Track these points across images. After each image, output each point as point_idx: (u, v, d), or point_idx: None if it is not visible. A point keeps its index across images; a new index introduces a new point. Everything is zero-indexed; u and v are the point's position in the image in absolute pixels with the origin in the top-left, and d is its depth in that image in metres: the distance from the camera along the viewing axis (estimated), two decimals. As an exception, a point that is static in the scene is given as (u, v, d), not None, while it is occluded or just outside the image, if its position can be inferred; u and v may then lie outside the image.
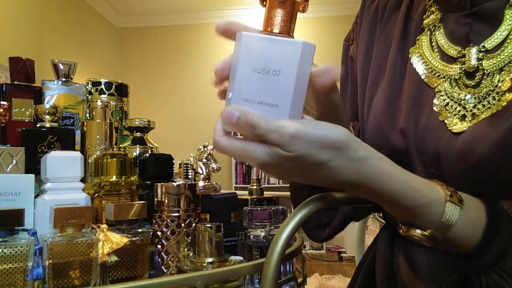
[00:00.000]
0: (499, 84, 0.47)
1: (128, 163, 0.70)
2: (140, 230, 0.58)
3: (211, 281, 0.46)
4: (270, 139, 0.35)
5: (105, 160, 0.69)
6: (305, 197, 0.44)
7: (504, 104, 0.46)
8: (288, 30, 0.37)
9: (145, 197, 0.71)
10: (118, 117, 0.96)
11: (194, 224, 0.65)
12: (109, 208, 0.59)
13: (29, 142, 0.68)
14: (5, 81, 1.10)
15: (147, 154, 0.82)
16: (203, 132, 4.62)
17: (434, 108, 0.51)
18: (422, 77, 0.54)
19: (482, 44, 0.49)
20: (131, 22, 5.18)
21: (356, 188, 0.38)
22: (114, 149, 0.84)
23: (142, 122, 0.86)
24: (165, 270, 0.63)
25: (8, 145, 0.67)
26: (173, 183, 0.65)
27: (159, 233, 0.63)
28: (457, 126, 0.49)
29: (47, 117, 0.71)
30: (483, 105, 0.48)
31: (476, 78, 0.49)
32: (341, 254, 4.22)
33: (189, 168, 0.80)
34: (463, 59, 0.51)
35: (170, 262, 0.63)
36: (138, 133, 0.86)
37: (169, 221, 0.64)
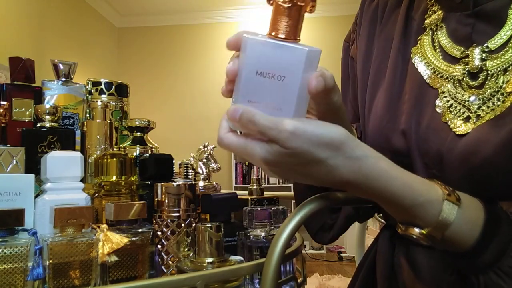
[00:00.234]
0: (504, 85, 0.47)
1: (128, 163, 0.70)
2: (140, 230, 0.58)
3: (211, 281, 0.46)
4: (269, 136, 0.36)
5: (105, 160, 0.69)
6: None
7: (508, 105, 0.45)
8: (294, 35, 0.37)
9: (145, 197, 0.71)
10: (118, 117, 0.96)
11: (194, 224, 0.65)
12: (109, 208, 0.59)
13: (29, 142, 0.68)
14: (5, 81, 1.11)
15: (147, 154, 0.82)
16: (203, 132, 4.62)
17: (437, 109, 0.51)
18: (425, 77, 0.54)
19: (486, 45, 0.49)
20: (131, 22, 5.19)
21: (355, 187, 0.39)
22: (114, 149, 0.84)
23: (142, 122, 0.86)
24: (165, 270, 0.63)
25: (8, 145, 0.67)
26: (173, 183, 0.65)
27: (159, 233, 0.63)
28: (461, 127, 0.48)
29: (47, 117, 0.71)
30: (488, 107, 0.47)
31: (480, 78, 0.49)
32: (341, 254, 4.22)
33: (189, 168, 0.80)
34: (467, 59, 0.50)
35: (170, 262, 0.63)
36: (138, 133, 0.86)
37: (169, 221, 0.64)
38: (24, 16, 3.40)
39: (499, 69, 0.47)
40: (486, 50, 0.49)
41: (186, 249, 0.64)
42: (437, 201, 0.39)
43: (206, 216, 0.71)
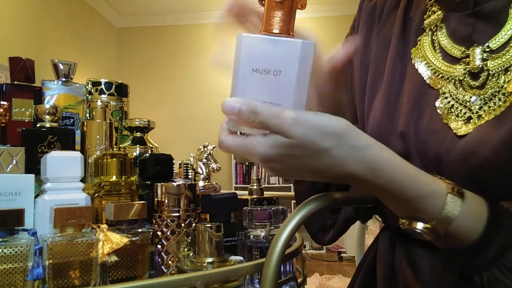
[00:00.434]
0: (505, 85, 0.46)
1: (128, 163, 0.70)
2: (140, 230, 0.58)
3: (211, 281, 0.46)
4: (272, 125, 0.35)
5: (105, 160, 0.69)
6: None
7: (508, 105, 0.45)
8: (287, 29, 0.38)
9: (145, 197, 0.71)
10: (118, 117, 0.96)
11: (194, 224, 0.65)
12: (109, 208, 0.59)
13: (29, 142, 0.68)
14: (5, 81, 1.11)
15: (147, 154, 0.82)
16: (203, 132, 4.62)
17: (438, 111, 0.51)
18: (425, 78, 0.53)
19: (487, 44, 0.49)
20: (131, 22, 5.18)
21: (359, 179, 0.38)
22: (114, 149, 0.84)
23: (142, 122, 0.86)
24: (165, 270, 0.63)
25: (8, 145, 0.67)
26: (173, 183, 0.65)
27: (159, 233, 0.63)
28: (462, 128, 0.48)
29: (47, 117, 0.71)
30: (489, 107, 0.47)
31: (481, 78, 0.49)
32: (341, 254, 4.22)
33: (189, 168, 0.80)
34: (467, 59, 0.50)
35: (170, 262, 0.63)
36: (138, 133, 0.86)
37: (169, 221, 0.64)
38: (24, 16, 3.40)
39: (500, 69, 0.47)
40: (487, 50, 0.49)
41: (186, 249, 0.64)
42: (441, 193, 0.39)
43: (206, 216, 0.71)
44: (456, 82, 0.51)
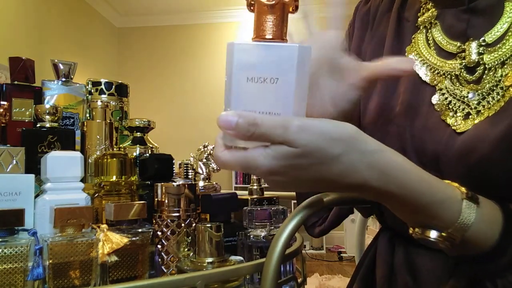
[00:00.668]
0: (502, 79, 0.46)
1: (128, 163, 0.70)
2: (140, 230, 0.58)
3: (211, 281, 0.46)
4: (275, 136, 0.33)
5: (105, 160, 0.69)
6: None
7: (507, 99, 0.45)
8: (280, 34, 0.36)
9: (145, 197, 0.71)
10: (118, 117, 0.96)
11: (194, 224, 0.65)
12: (109, 208, 0.59)
13: (29, 142, 0.68)
14: (5, 81, 1.10)
15: (147, 154, 0.82)
16: (203, 132, 4.61)
17: (435, 107, 0.50)
18: (421, 75, 0.53)
19: (483, 38, 0.48)
20: (131, 22, 5.18)
21: (369, 187, 0.36)
22: (114, 149, 0.84)
23: (142, 122, 0.86)
24: (165, 270, 0.63)
25: (8, 145, 0.67)
26: (173, 183, 0.65)
27: (159, 233, 0.63)
28: (461, 125, 0.47)
29: (47, 117, 0.71)
30: (488, 102, 0.46)
31: (477, 73, 0.48)
32: (341, 254, 4.21)
33: (189, 168, 0.80)
34: (463, 54, 0.50)
35: (170, 262, 0.63)
36: (138, 133, 0.86)
37: (169, 221, 0.64)
38: (24, 16, 3.40)
39: (496, 62, 0.47)
40: (483, 44, 0.48)
41: (186, 249, 0.64)
42: (456, 199, 0.37)
43: (206, 216, 0.71)
44: (453, 78, 0.50)
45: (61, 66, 0.87)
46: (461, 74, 0.50)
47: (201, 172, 0.88)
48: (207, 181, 0.87)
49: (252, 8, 0.37)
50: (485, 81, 0.47)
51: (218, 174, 0.98)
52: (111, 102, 0.95)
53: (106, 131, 0.80)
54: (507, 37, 0.47)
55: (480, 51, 0.48)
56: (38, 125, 0.72)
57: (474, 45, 0.49)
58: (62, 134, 0.72)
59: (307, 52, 0.35)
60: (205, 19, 5.03)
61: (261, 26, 0.36)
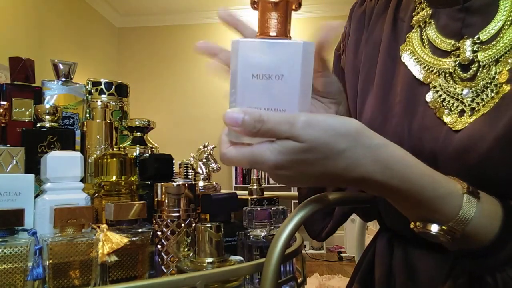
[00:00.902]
0: (496, 76, 0.46)
1: (128, 163, 0.70)
2: (140, 230, 0.58)
3: (211, 281, 0.46)
4: (281, 132, 0.33)
5: (105, 160, 0.69)
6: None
7: (502, 96, 0.45)
8: (284, 31, 0.36)
9: (145, 197, 0.71)
10: (118, 117, 0.96)
11: (194, 224, 0.65)
12: (109, 208, 0.59)
13: (29, 142, 0.68)
14: (5, 81, 1.11)
15: (147, 154, 0.82)
16: (203, 132, 4.62)
17: (430, 105, 0.50)
18: (415, 73, 0.53)
19: (477, 36, 0.49)
20: (131, 22, 5.19)
21: (373, 182, 0.37)
22: (114, 149, 0.84)
23: (142, 122, 0.86)
24: (165, 270, 0.63)
25: (8, 145, 0.67)
26: (173, 183, 0.65)
27: (159, 233, 0.63)
28: (456, 122, 0.47)
29: (47, 117, 0.71)
30: (482, 99, 0.46)
31: (471, 70, 0.48)
32: (341, 254, 4.22)
33: (189, 168, 0.80)
34: (457, 51, 0.50)
35: (170, 262, 0.63)
36: (138, 133, 0.86)
37: (169, 221, 0.64)
38: (24, 16, 3.40)
39: (491, 60, 0.47)
40: (477, 41, 0.48)
41: (186, 249, 0.64)
42: (457, 194, 0.38)
43: (206, 216, 0.71)
44: (447, 75, 0.50)
45: (61, 66, 0.87)
46: (456, 71, 0.50)
47: (201, 172, 0.88)
48: (207, 181, 0.87)
49: (256, 6, 0.37)
50: (479, 78, 0.48)
51: (218, 174, 0.98)
52: (111, 102, 0.95)
53: (106, 131, 0.80)
54: (501, 35, 0.47)
55: (474, 48, 0.49)
56: (38, 125, 0.72)
57: (468, 43, 0.49)
58: (62, 134, 0.72)
59: (311, 48, 0.36)
60: (205, 19, 5.03)
61: (265, 24, 0.36)
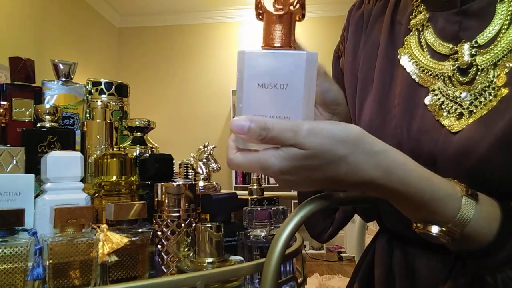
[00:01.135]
0: (494, 80, 0.46)
1: (128, 163, 0.70)
2: (140, 230, 0.58)
3: (211, 281, 0.46)
4: (285, 139, 0.35)
5: (105, 160, 0.69)
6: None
7: (499, 99, 0.45)
8: (289, 42, 0.38)
9: (145, 197, 0.71)
10: (118, 117, 0.96)
11: (194, 224, 0.65)
12: (109, 208, 0.59)
13: (29, 142, 0.68)
14: (5, 81, 1.11)
15: (147, 154, 0.82)
16: (203, 132, 4.62)
17: (428, 108, 0.50)
18: (413, 76, 0.53)
19: (475, 40, 0.49)
20: (131, 22, 5.19)
21: (374, 185, 0.38)
22: (114, 149, 0.84)
23: (142, 122, 0.86)
24: (165, 270, 0.63)
25: (8, 145, 0.67)
26: (173, 183, 0.65)
27: (159, 233, 0.63)
28: (454, 125, 0.48)
29: (47, 117, 0.71)
30: (480, 102, 0.47)
31: (470, 74, 0.49)
32: (341, 254, 4.22)
33: (189, 168, 0.80)
34: (456, 55, 0.50)
35: (170, 262, 0.63)
36: (138, 133, 0.86)
37: (169, 221, 0.64)
38: (24, 16, 3.40)
39: (489, 63, 0.47)
40: (475, 45, 0.49)
41: (186, 249, 0.64)
42: (455, 196, 0.39)
43: (206, 216, 0.71)
44: (446, 79, 0.51)
45: (61, 66, 0.87)
46: (454, 75, 0.50)
47: (201, 172, 0.88)
48: (207, 181, 0.87)
49: (261, 17, 0.39)
50: (478, 82, 0.48)
51: (218, 174, 0.98)
52: (111, 102, 0.95)
53: (106, 131, 0.80)
54: (499, 39, 0.47)
55: (472, 52, 0.49)
56: (38, 125, 0.72)
57: (466, 46, 0.49)
58: (62, 134, 0.72)
59: (314, 58, 0.37)
60: (205, 19, 5.03)
61: (270, 35, 0.38)
